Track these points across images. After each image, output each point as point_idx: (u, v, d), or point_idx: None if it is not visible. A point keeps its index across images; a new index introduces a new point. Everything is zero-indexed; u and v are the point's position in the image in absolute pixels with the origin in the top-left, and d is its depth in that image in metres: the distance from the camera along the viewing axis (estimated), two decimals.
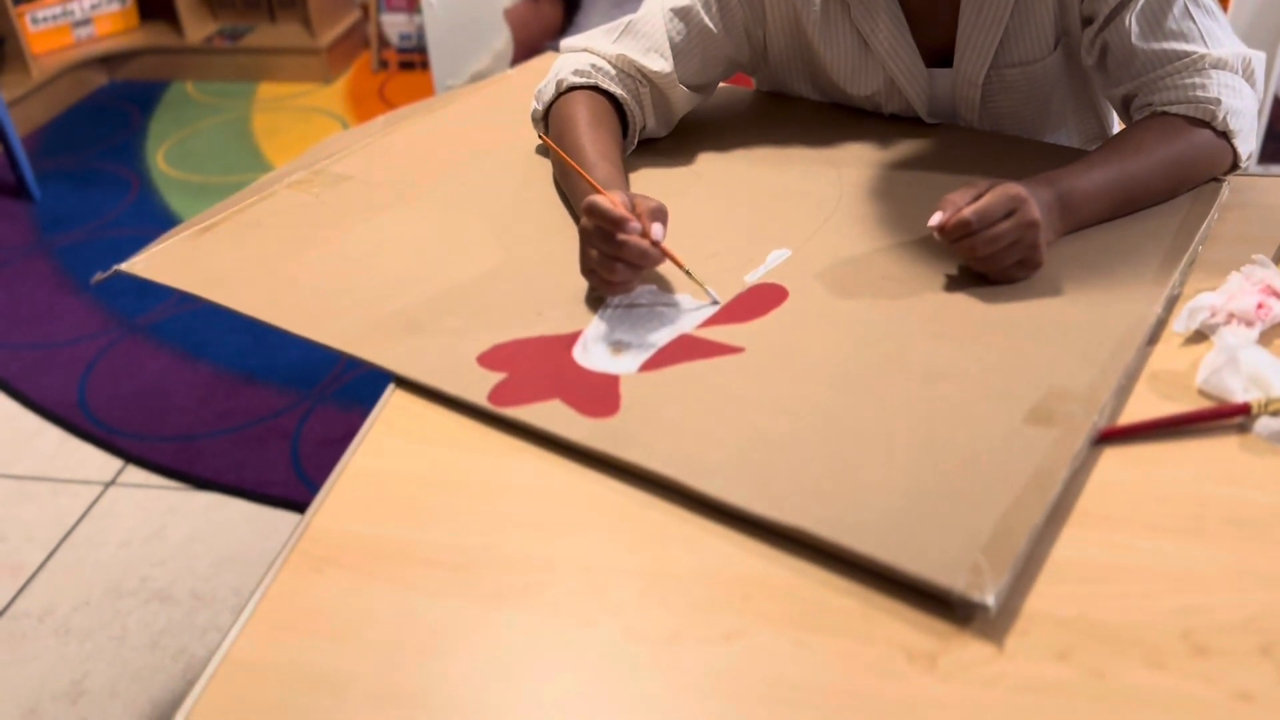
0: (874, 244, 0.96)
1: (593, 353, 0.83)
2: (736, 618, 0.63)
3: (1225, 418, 0.75)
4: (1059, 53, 1.09)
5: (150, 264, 1.01)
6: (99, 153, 3.05)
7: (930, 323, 0.85)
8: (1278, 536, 0.66)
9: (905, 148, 1.12)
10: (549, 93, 1.09)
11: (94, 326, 2.28)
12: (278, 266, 0.98)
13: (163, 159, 2.99)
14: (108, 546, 1.71)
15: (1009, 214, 0.86)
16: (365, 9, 3.55)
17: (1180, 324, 0.84)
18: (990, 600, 0.60)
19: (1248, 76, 1.00)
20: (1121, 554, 0.66)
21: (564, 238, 0.98)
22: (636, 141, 1.14)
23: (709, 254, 0.95)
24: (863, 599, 0.63)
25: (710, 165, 1.12)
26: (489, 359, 0.83)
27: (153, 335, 2.24)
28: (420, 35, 3.25)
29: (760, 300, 0.89)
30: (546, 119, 1.11)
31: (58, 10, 3.33)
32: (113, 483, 1.85)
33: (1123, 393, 0.78)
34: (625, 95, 1.09)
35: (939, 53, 1.11)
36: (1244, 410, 0.75)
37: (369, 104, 3.26)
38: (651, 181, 1.09)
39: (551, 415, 0.77)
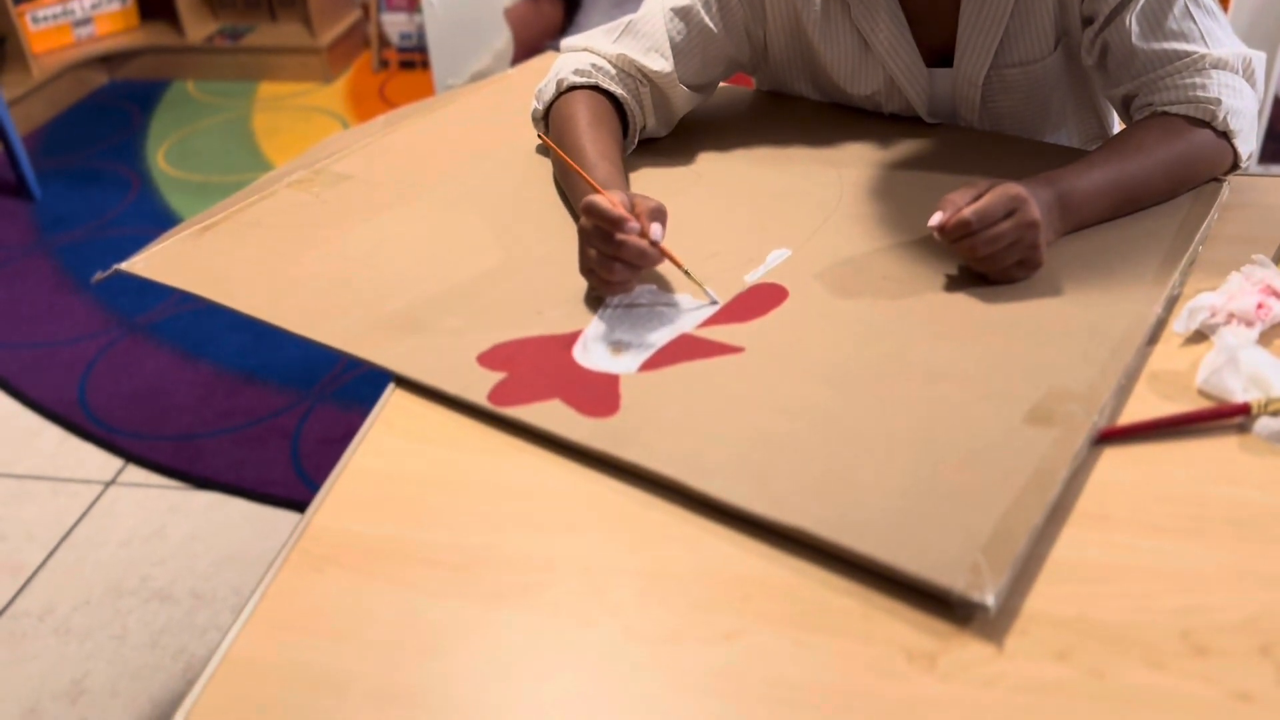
0: (874, 244, 0.96)
1: (593, 352, 0.83)
2: (736, 618, 0.63)
3: (1225, 418, 0.75)
4: (1059, 53, 1.09)
5: (150, 263, 1.01)
6: (99, 152, 3.05)
7: (930, 323, 0.85)
8: (1278, 536, 0.66)
9: (905, 148, 1.12)
10: (549, 92, 1.09)
11: (94, 326, 2.28)
12: (278, 266, 0.98)
13: (163, 158, 3.00)
14: (108, 546, 1.71)
15: (1009, 214, 0.86)
16: (366, 8, 3.55)
17: (1180, 324, 0.84)
18: (990, 600, 0.60)
19: (1248, 76, 1.00)
20: (1121, 554, 0.66)
21: (564, 237, 0.98)
22: (637, 141, 1.14)
23: (709, 254, 0.95)
24: (863, 599, 0.63)
25: (710, 165, 1.12)
26: (489, 359, 0.83)
27: (153, 334, 2.24)
28: (421, 35, 3.25)
29: (760, 300, 0.89)
30: (547, 118, 1.11)
31: (58, 9, 3.33)
32: (113, 482, 1.85)
33: (1123, 393, 0.78)
34: (625, 95, 1.09)
35: (939, 52, 1.11)
36: (1244, 410, 0.75)
37: (369, 103, 3.26)
38: (651, 181, 1.09)
39: (551, 415, 0.77)
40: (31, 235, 2.66)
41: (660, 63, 1.09)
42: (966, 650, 0.60)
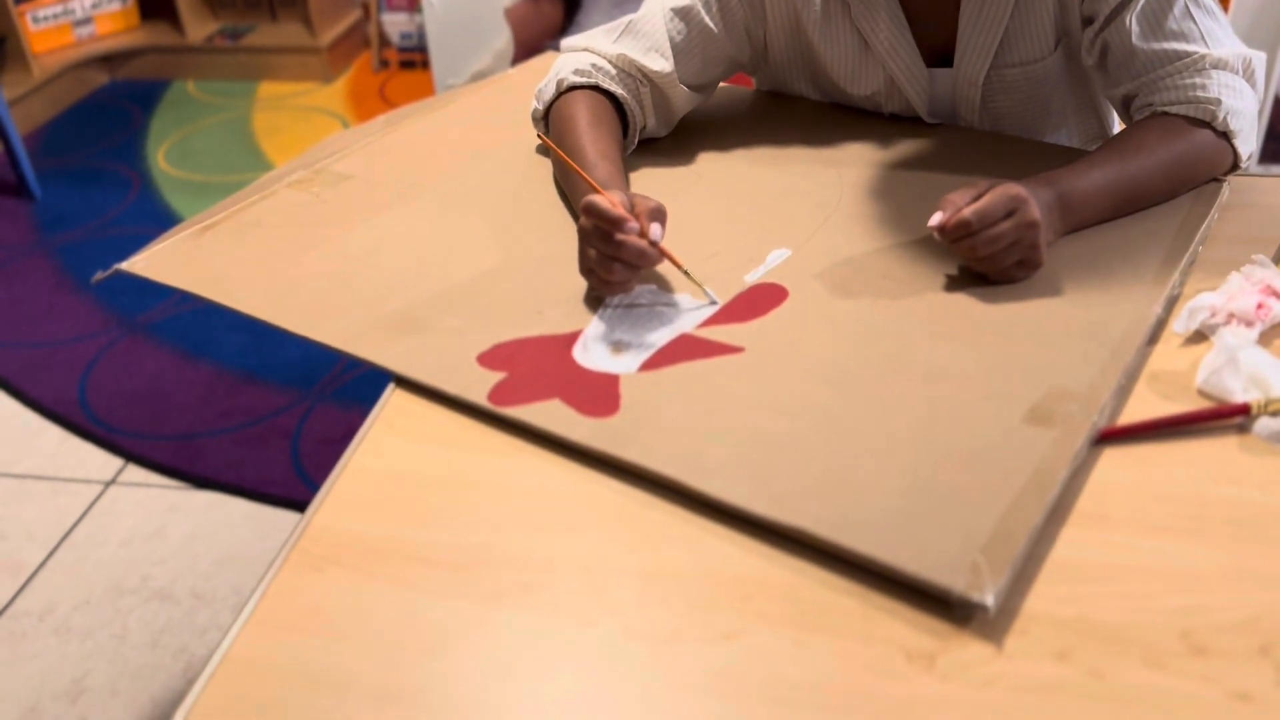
0: (874, 244, 0.96)
1: (593, 352, 0.83)
2: (736, 617, 0.63)
3: (1225, 418, 0.75)
4: (1059, 53, 1.09)
5: (151, 263, 1.01)
6: (100, 152, 3.05)
7: (930, 323, 0.85)
8: (1277, 536, 0.66)
9: (905, 148, 1.12)
10: (549, 92, 1.09)
11: (94, 325, 2.28)
12: (278, 266, 0.98)
13: (163, 158, 3.00)
14: (108, 545, 1.71)
15: (1009, 214, 0.86)
16: (366, 8, 3.55)
17: (1180, 324, 0.84)
18: (989, 600, 0.60)
19: (1248, 77, 1.00)
20: (1121, 554, 0.66)
21: (564, 237, 0.98)
22: (637, 141, 1.14)
23: (709, 254, 0.95)
24: (862, 599, 0.63)
25: (710, 165, 1.12)
26: (489, 358, 0.83)
27: (153, 334, 2.24)
28: (421, 34, 3.25)
29: (760, 300, 0.89)
30: (547, 118, 1.11)
31: (58, 9, 3.33)
32: (113, 482, 1.85)
33: (1123, 393, 0.78)
34: (626, 95, 1.09)
35: (939, 53, 1.11)
36: (1244, 410, 0.75)
37: (369, 103, 3.26)
38: (651, 181, 1.09)
39: (551, 415, 0.77)
40: (32, 235, 2.66)
41: (660, 63, 1.09)
42: (966, 650, 0.60)
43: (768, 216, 1.01)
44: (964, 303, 0.87)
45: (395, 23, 3.41)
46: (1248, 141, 1.01)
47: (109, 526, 1.75)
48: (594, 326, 0.87)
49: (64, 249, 2.58)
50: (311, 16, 3.41)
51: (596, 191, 0.90)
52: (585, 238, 0.87)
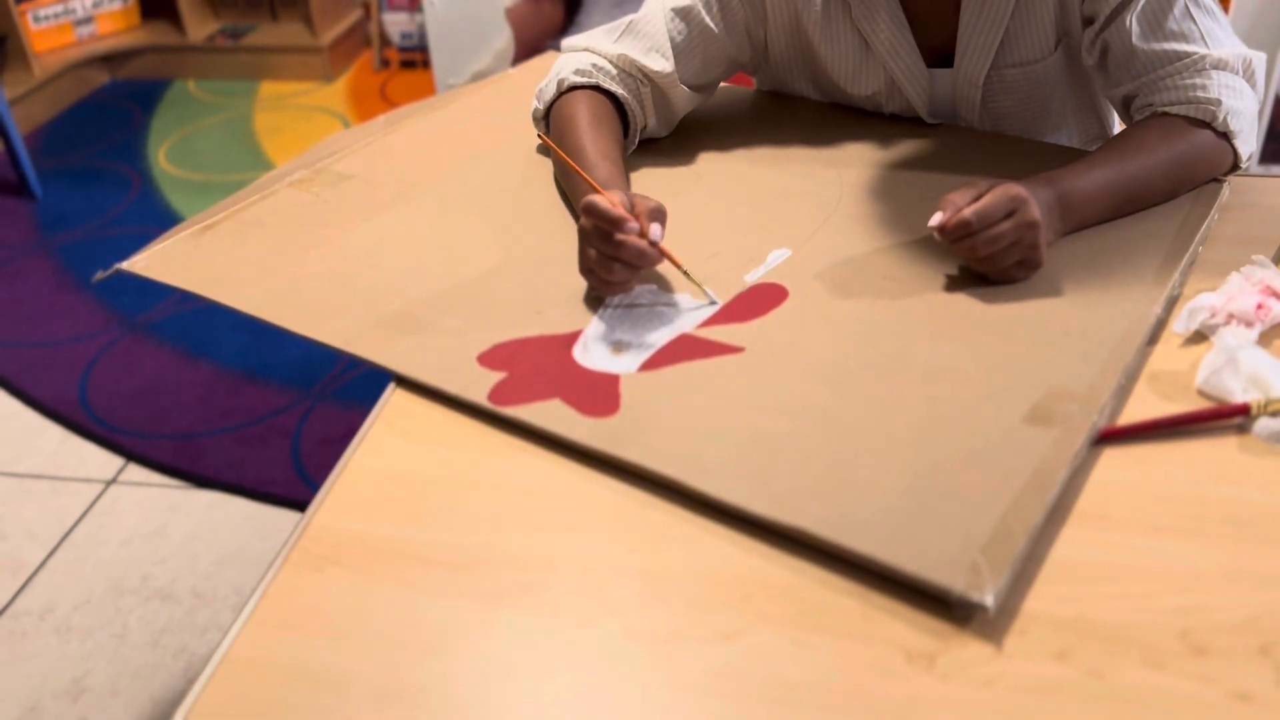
0: (874, 244, 0.96)
1: (593, 352, 0.83)
2: (736, 617, 0.63)
3: (1225, 418, 0.75)
4: (1059, 53, 1.09)
5: (151, 263, 1.01)
6: (100, 151, 3.05)
7: (930, 323, 0.85)
8: (1277, 536, 0.66)
9: (905, 148, 1.12)
10: (550, 92, 1.10)
11: (95, 325, 2.28)
12: (279, 265, 0.98)
13: (164, 157, 3.00)
14: (109, 545, 1.71)
15: (1009, 214, 0.86)
16: (367, 8, 3.55)
17: (1180, 324, 0.84)
18: (989, 600, 0.60)
19: (1248, 77, 1.00)
20: (1121, 554, 0.66)
21: (564, 237, 0.98)
22: (637, 141, 1.14)
23: (709, 254, 0.95)
24: (862, 599, 0.63)
25: (710, 165, 1.12)
26: (489, 358, 0.83)
27: (154, 334, 2.24)
28: (421, 34, 3.25)
29: (760, 300, 0.89)
30: (547, 118, 1.11)
31: (59, 9, 3.34)
32: (114, 481, 1.85)
33: (1123, 393, 0.78)
34: (626, 95, 1.09)
35: (939, 53, 1.11)
36: (1243, 411, 0.75)
37: (370, 103, 3.26)
38: (652, 181, 1.09)
39: (551, 415, 0.77)
40: (32, 234, 2.66)
41: (661, 63, 1.09)
42: (966, 650, 0.60)
43: (768, 216, 1.01)
44: (964, 303, 0.87)
45: (396, 22, 3.41)
46: (1248, 142, 1.01)
47: (109, 526, 1.75)
48: (594, 326, 0.87)
49: (65, 248, 2.58)
50: (312, 16, 3.41)
51: (597, 191, 0.90)
52: (585, 238, 0.87)
